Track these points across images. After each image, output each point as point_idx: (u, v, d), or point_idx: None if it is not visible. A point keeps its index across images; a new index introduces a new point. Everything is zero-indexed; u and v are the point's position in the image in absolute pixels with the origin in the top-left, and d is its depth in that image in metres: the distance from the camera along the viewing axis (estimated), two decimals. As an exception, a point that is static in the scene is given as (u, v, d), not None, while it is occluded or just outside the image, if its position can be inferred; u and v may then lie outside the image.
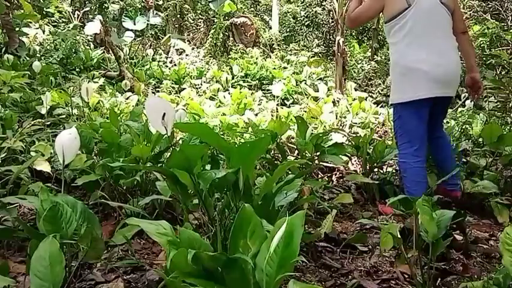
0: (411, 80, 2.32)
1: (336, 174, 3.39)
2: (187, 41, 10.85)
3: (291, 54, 10.35)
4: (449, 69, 2.37)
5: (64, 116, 3.84)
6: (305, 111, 5.58)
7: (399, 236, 1.67)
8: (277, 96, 6.40)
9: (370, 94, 8.08)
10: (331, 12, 8.03)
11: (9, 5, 6.05)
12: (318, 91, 7.27)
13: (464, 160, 3.15)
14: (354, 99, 6.66)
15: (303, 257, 1.54)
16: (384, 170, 3.24)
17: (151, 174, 2.30)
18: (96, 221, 1.56)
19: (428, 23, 2.32)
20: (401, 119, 2.41)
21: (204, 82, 7.71)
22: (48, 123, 3.47)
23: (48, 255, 1.20)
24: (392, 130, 2.56)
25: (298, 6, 13.22)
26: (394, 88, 2.43)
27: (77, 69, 6.87)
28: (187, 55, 9.48)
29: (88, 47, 7.88)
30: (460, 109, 5.46)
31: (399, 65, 2.37)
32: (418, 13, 2.30)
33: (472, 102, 4.83)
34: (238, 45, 10.19)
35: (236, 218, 1.27)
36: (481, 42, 7.32)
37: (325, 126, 4.73)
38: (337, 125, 5.03)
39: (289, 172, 2.28)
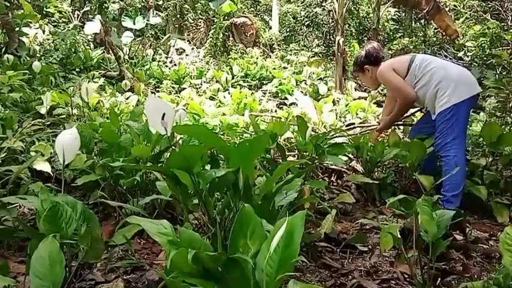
0: (465, 82, 2.74)
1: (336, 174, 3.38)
2: (187, 41, 10.84)
3: (291, 54, 10.35)
4: None
5: (64, 116, 3.83)
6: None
7: (399, 236, 1.67)
8: (277, 96, 6.39)
9: (370, 94, 8.06)
10: (331, 12, 8.02)
11: (9, 5, 6.04)
12: (318, 91, 7.28)
13: None
14: (354, 99, 6.66)
15: (303, 257, 1.54)
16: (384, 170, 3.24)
17: (151, 174, 2.30)
18: (96, 221, 1.56)
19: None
20: (456, 116, 2.67)
21: (204, 82, 7.71)
22: (48, 123, 3.47)
23: (48, 255, 1.20)
24: (437, 133, 2.75)
25: (298, 6, 13.21)
26: (449, 93, 2.70)
27: (77, 69, 6.86)
28: (187, 55, 9.47)
29: (88, 47, 7.87)
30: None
31: (451, 74, 2.76)
32: (423, 55, 2.99)
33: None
34: (238, 45, 10.19)
35: (236, 218, 1.27)
36: (482, 42, 7.32)
37: (325, 126, 4.73)
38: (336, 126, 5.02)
39: (290, 172, 2.28)
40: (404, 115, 3.31)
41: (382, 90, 8.38)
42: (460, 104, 2.67)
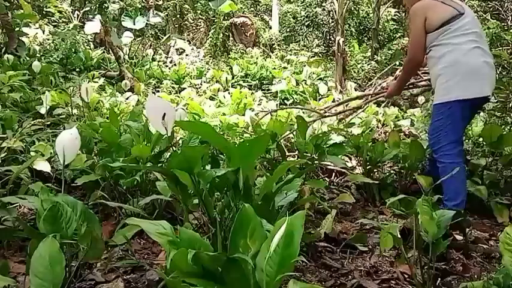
0: (475, 79, 2.37)
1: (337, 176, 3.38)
2: (187, 41, 10.85)
3: (291, 54, 10.35)
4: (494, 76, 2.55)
5: (64, 116, 3.83)
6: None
7: (399, 236, 1.67)
8: (277, 96, 6.40)
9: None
10: (331, 12, 8.02)
11: (8, 4, 6.04)
12: (318, 91, 7.28)
13: None
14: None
15: (303, 257, 1.54)
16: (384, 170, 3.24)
17: (151, 174, 2.30)
18: (96, 221, 1.56)
19: (479, 31, 2.49)
20: (452, 117, 2.38)
21: (204, 82, 7.71)
22: (48, 123, 3.47)
23: (48, 255, 1.19)
24: (431, 130, 2.49)
25: (298, 6, 13.22)
26: (449, 85, 2.39)
27: (77, 69, 6.87)
28: (187, 55, 9.48)
29: (88, 47, 7.88)
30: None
31: (462, 64, 2.39)
32: (472, 21, 2.47)
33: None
34: (238, 45, 10.19)
35: (236, 218, 1.27)
36: (481, 42, 7.30)
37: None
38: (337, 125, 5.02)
39: (290, 172, 2.28)
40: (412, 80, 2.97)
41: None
42: (459, 102, 2.35)
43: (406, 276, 1.84)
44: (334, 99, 6.53)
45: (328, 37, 12.02)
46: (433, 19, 2.44)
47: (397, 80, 2.84)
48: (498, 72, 4.91)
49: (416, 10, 2.51)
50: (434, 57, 2.48)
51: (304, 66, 9.05)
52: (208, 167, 1.92)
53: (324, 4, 11.96)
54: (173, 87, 7.24)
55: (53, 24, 8.76)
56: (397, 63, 8.44)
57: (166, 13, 11.45)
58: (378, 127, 5.28)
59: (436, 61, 2.47)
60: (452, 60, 2.40)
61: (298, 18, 12.72)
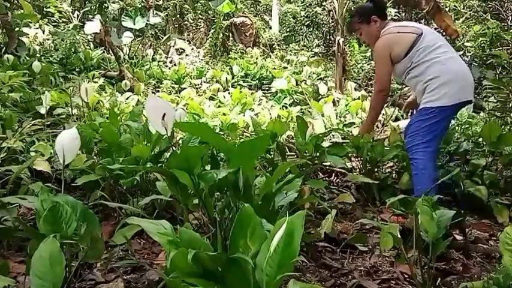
0: (456, 86, 2.52)
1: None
2: (187, 41, 10.84)
3: (291, 55, 10.36)
4: None
5: (64, 116, 3.84)
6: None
7: (399, 236, 1.67)
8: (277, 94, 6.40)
9: (370, 94, 8.07)
10: (331, 12, 8.02)
11: (8, 5, 6.04)
12: (318, 91, 7.28)
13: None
14: (354, 99, 6.67)
15: (303, 257, 1.54)
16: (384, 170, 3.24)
17: (152, 174, 2.30)
18: (96, 221, 1.56)
19: (445, 42, 2.69)
20: (435, 120, 2.51)
21: (204, 82, 7.72)
22: (48, 123, 3.47)
23: (48, 255, 1.19)
24: (409, 131, 2.62)
25: (298, 6, 13.23)
26: (435, 93, 2.52)
27: (77, 69, 6.87)
28: (187, 55, 9.48)
29: (88, 47, 7.88)
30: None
31: (446, 73, 2.53)
32: (434, 37, 2.67)
33: (472, 103, 4.85)
34: (238, 45, 10.20)
35: (236, 218, 1.27)
36: (481, 42, 7.33)
37: (325, 126, 4.74)
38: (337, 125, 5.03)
39: (290, 172, 2.28)
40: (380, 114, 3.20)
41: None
42: (444, 108, 2.49)
43: (406, 276, 1.84)
44: (333, 99, 6.52)
45: (328, 37, 12.01)
46: (398, 51, 2.64)
47: (367, 120, 3.05)
48: (498, 72, 4.91)
49: (381, 48, 2.70)
50: (415, 77, 2.64)
51: (304, 66, 9.05)
52: (208, 167, 1.92)
53: (324, 4, 11.95)
54: (173, 87, 7.24)
55: (53, 24, 8.75)
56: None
57: (166, 13, 11.45)
58: (377, 127, 5.28)
59: (418, 79, 2.62)
60: (435, 72, 2.55)
61: (298, 18, 12.72)
